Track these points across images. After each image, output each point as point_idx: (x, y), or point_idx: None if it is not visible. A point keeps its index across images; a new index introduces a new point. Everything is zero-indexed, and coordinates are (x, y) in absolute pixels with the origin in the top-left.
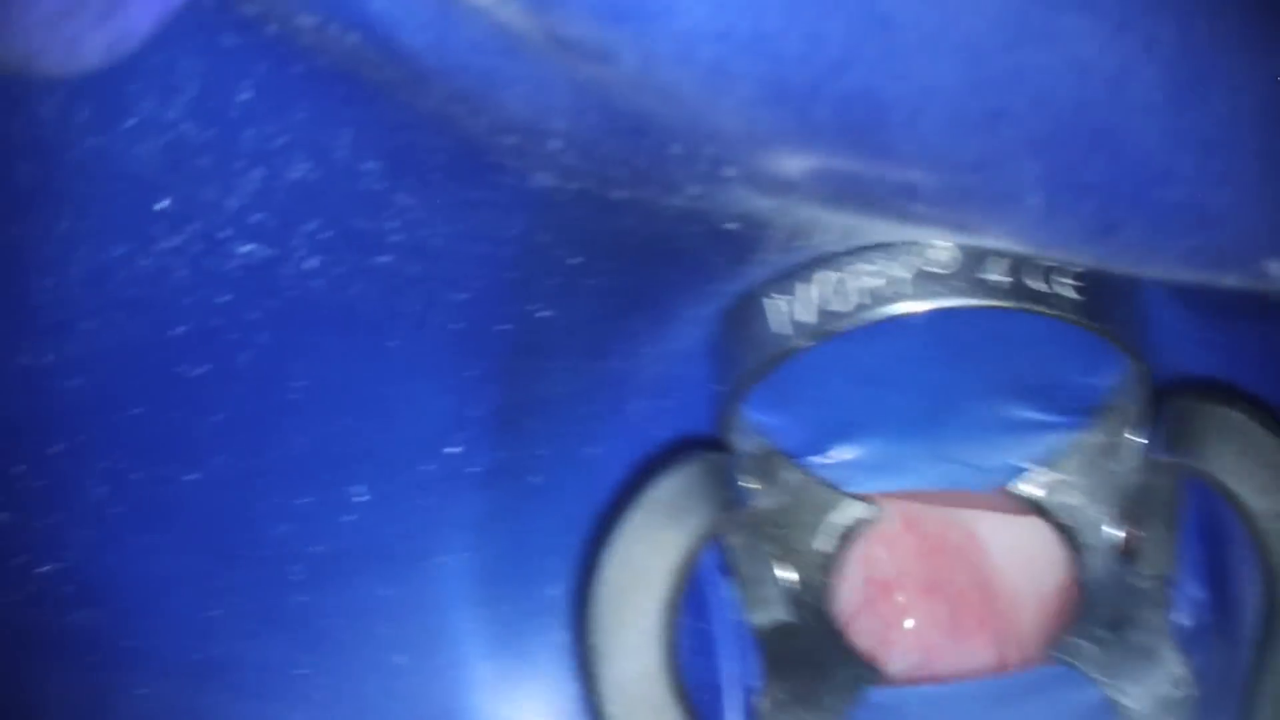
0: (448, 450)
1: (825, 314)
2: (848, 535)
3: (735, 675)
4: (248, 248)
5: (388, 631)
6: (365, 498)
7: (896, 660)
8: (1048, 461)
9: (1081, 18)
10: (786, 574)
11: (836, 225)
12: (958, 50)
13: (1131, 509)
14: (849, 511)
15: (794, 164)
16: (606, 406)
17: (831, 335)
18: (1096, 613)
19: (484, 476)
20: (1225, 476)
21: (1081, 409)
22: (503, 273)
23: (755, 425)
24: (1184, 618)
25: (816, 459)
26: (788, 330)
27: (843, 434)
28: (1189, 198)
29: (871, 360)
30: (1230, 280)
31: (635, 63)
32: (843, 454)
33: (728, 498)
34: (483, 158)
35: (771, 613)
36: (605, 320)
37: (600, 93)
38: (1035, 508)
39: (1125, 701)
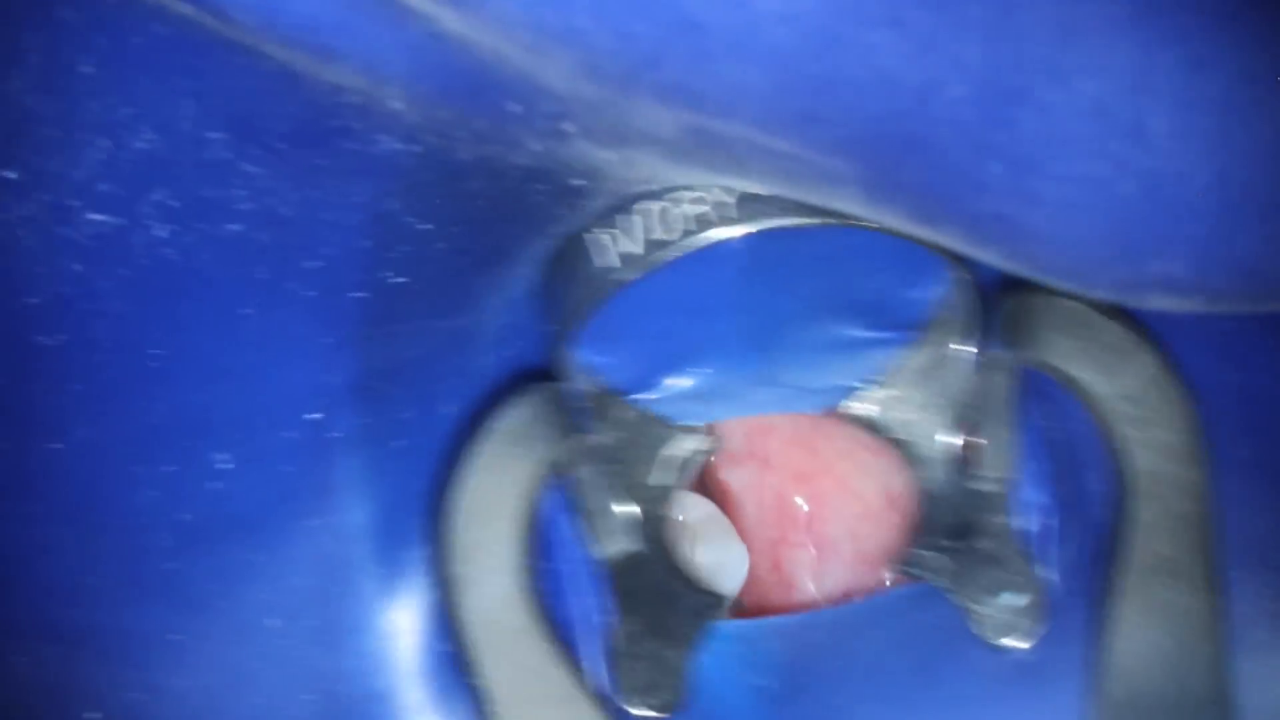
0: (308, 417)
1: (651, 243)
2: (684, 467)
3: (589, 611)
4: (97, 217)
5: (259, 596)
6: (229, 465)
7: (753, 587)
8: (879, 378)
9: (889, 34)
10: (628, 508)
11: (679, 176)
12: (767, 56)
13: (967, 417)
14: (684, 444)
15: (628, 125)
16: (459, 364)
17: (658, 264)
18: (940, 523)
19: (347, 442)
20: (1068, 364)
21: (908, 324)
22: (354, 240)
23: (586, 365)
24: (1029, 523)
25: (649, 394)
26: (614, 263)
27: (672, 367)
28: (1003, 209)
29: (696, 291)
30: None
31: (460, 34)
32: (674, 386)
33: (568, 424)
34: (327, 122)
35: (618, 546)
36: (454, 281)
37: (436, 53)
38: (870, 425)
39: (977, 610)
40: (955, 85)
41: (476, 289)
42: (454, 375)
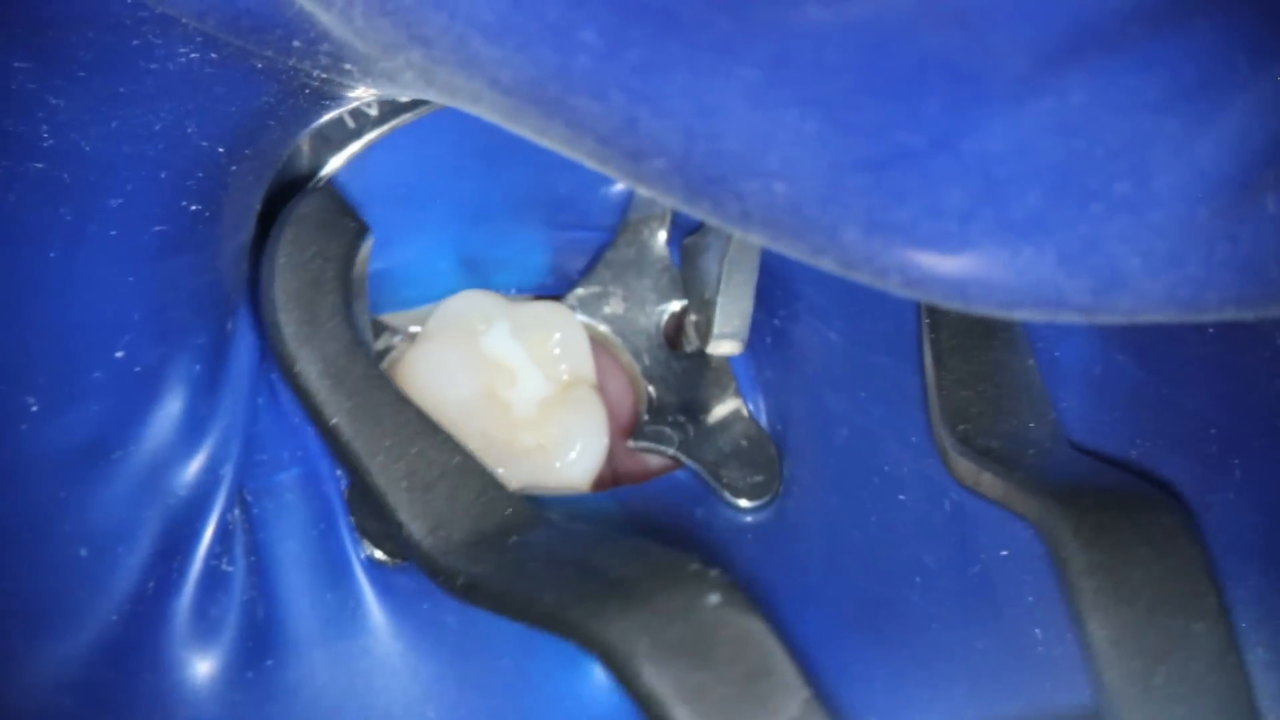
0: (116, 355)
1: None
2: (380, 358)
3: None
4: None
5: (69, 529)
6: (36, 407)
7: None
8: (584, 273)
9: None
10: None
11: None
12: (489, 90)
13: (677, 301)
14: (385, 339)
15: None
16: (239, 279)
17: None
18: (668, 402)
19: (148, 375)
20: None
21: (605, 221)
22: (153, 171)
23: None
24: (752, 402)
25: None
26: (352, 126)
27: (378, 253)
28: None
29: (404, 178)
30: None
31: None
32: (377, 271)
33: (357, 221)
34: (129, 42)
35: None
36: (241, 200)
37: None
38: (583, 319)
39: (724, 478)
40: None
41: (251, 204)
42: (238, 291)
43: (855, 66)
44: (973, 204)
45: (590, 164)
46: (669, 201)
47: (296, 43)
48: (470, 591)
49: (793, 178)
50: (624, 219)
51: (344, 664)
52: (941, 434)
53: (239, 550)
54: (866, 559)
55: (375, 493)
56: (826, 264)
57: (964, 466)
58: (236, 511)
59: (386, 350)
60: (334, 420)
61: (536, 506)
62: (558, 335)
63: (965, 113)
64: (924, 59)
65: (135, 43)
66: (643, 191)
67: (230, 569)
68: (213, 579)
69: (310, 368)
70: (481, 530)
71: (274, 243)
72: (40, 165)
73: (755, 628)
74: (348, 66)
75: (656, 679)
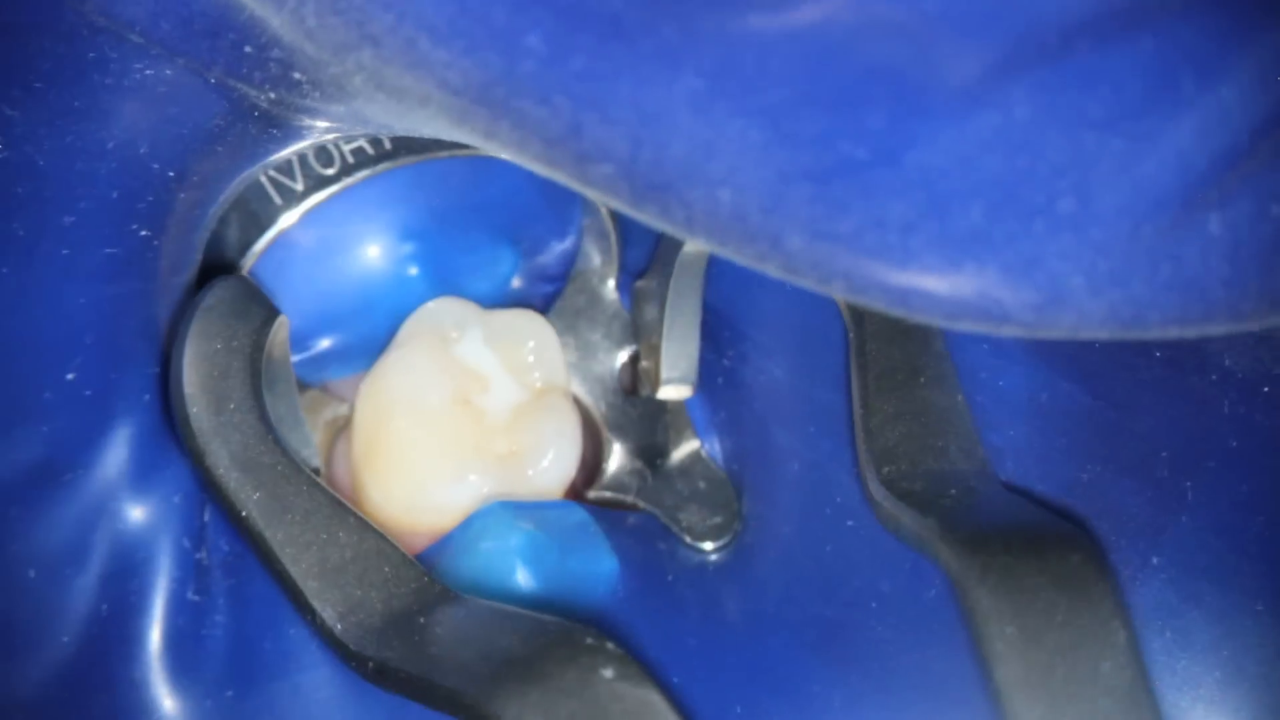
0: (66, 377)
1: (311, 179)
2: (330, 425)
3: None
4: None
5: (18, 550)
6: None
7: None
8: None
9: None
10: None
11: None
12: (439, 92)
13: (629, 346)
14: (332, 407)
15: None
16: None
17: (318, 202)
18: (629, 448)
19: (99, 399)
20: None
21: (558, 273)
22: (104, 191)
23: None
24: (709, 443)
25: (299, 354)
26: (276, 201)
27: (325, 328)
28: None
29: (351, 244)
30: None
31: None
32: (321, 346)
33: (267, 306)
34: (85, 55)
35: None
36: (188, 234)
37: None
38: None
39: (683, 521)
40: (605, 164)
41: (195, 243)
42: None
43: (799, 77)
44: (915, 216)
45: (539, 168)
46: (617, 205)
47: (248, 48)
48: (380, 677)
49: (737, 186)
50: (573, 269)
51: (303, 696)
52: (867, 478)
53: (209, 583)
54: (823, 587)
55: (287, 582)
56: (772, 269)
57: (884, 512)
58: (204, 549)
59: (336, 419)
60: (244, 512)
61: (443, 584)
62: (531, 343)
63: (908, 125)
64: (867, 70)
65: (91, 55)
66: (592, 195)
67: (197, 599)
68: (176, 606)
69: (219, 459)
70: (392, 611)
71: (180, 337)
72: None
73: (649, 700)
74: (297, 76)
75: None
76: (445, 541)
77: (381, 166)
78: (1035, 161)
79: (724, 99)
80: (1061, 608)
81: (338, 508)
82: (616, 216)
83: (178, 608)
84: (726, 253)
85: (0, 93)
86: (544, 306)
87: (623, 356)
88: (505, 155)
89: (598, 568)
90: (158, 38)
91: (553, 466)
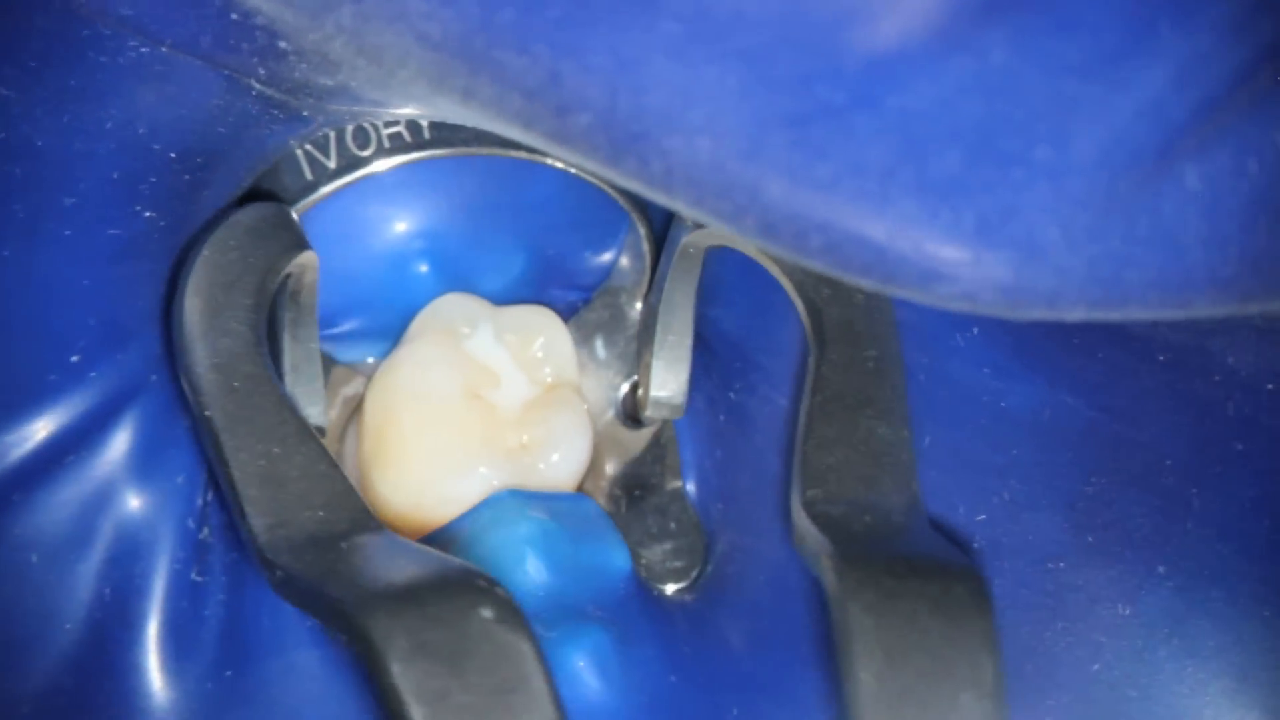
0: (71, 359)
1: (345, 159)
2: (348, 403)
3: None
4: None
5: (20, 533)
6: None
7: None
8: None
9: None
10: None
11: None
12: (419, 48)
13: (638, 369)
14: (354, 384)
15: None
16: None
17: (348, 183)
18: (611, 475)
19: (104, 381)
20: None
21: (589, 283)
22: (105, 171)
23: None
24: (692, 483)
25: (325, 330)
26: (308, 178)
27: (353, 309)
28: None
29: (380, 234)
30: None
31: None
32: (349, 326)
33: (295, 236)
34: (79, 31)
35: None
36: (193, 216)
37: None
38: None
39: (644, 558)
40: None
41: (210, 223)
42: None
43: (776, 20)
44: (893, 161)
45: (518, 128)
46: (595, 163)
47: (234, 15)
48: (283, 587)
49: (715, 133)
50: (604, 284)
51: (299, 673)
52: (792, 496)
53: (211, 560)
54: (820, 605)
55: (229, 486)
56: (749, 226)
57: (795, 530)
58: (206, 528)
59: (354, 397)
60: (208, 412)
61: (380, 520)
62: (541, 339)
63: (886, 68)
64: (845, 12)
65: (85, 33)
66: (571, 156)
67: (200, 579)
68: (179, 588)
69: (198, 359)
70: (319, 533)
71: (199, 242)
72: None
73: (520, 647)
74: (283, 45)
75: (401, 677)
76: (454, 529)
77: (417, 154)
78: (1013, 107)
79: (701, 43)
80: (933, 634)
81: (302, 431)
82: (655, 238)
83: (180, 590)
84: (705, 210)
85: None
86: (567, 314)
87: (630, 381)
88: (484, 119)
89: (610, 561)
90: (141, 20)
91: (564, 461)
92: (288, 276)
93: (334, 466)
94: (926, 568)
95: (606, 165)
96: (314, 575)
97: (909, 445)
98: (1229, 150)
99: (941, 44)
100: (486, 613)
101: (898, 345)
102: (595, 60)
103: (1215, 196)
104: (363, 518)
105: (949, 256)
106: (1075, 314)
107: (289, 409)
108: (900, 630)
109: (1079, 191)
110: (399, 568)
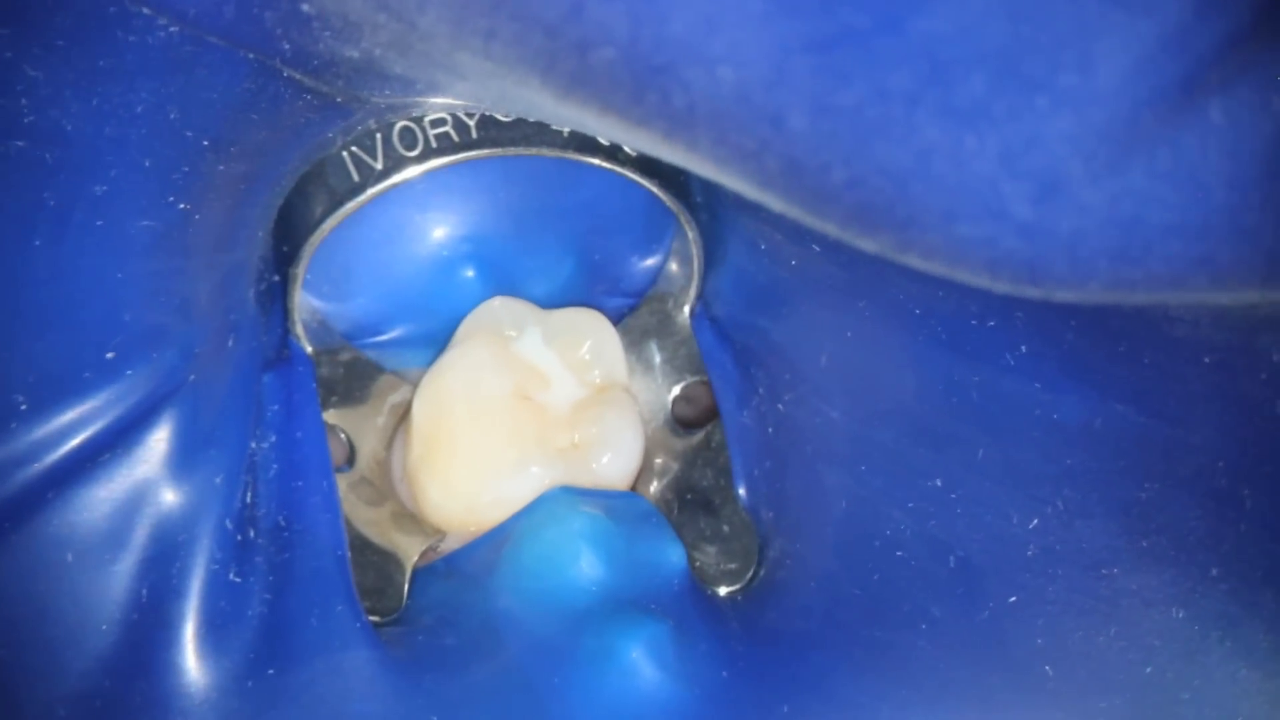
0: (106, 355)
1: (391, 158)
2: (394, 410)
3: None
4: None
5: (55, 531)
6: (25, 405)
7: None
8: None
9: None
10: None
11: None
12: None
13: (684, 375)
14: (401, 391)
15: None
16: (238, 299)
17: (395, 184)
18: (664, 479)
19: (140, 379)
20: None
21: (636, 289)
22: (137, 158)
23: (312, 308)
24: (743, 488)
25: (372, 339)
26: (354, 179)
27: (399, 317)
28: None
29: (426, 237)
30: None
31: None
32: (396, 333)
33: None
34: (107, 9)
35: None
36: (232, 210)
37: None
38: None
39: (697, 560)
40: (606, 47)
41: (250, 220)
42: (234, 310)
43: None
44: (918, 87)
45: (538, 72)
46: (616, 102)
47: None
48: None
49: (738, 62)
50: (652, 289)
51: (345, 674)
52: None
53: (256, 561)
54: (871, 610)
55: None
56: (771, 168)
57: None
58: (251, 528)
59: (401, 404)
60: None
61: None
62: (589, 341)
63: None
64: None
65: (113, 10)
66: (592, 106)
67: (238, 580)
68: (217, 589)
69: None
70: None
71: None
72: (21, 143)
73: None
74: (305, 8)
75: None
76: (507, 528)
77: (464, 155)
78: (1037, 30)
79: None
80: None
81: None
82: (703, 243)
83: (218, 590)
84: (726, 151)
85: (21, 50)
86: (615, 319)
87: (680, 386)
88: (505, 72)
89: (665, 557)
90: None
91: (616, 460)
92: None
93: None
94: None
95: (629, 104)
96: None
97: None
98: (1253, 84)
99: None
100: None
101: None
102: None
103: (1238, 135)
104: None
105: (971, 191)
106: (1096, 279)
107: None
108: None
109: (1101, 122)
110: None
